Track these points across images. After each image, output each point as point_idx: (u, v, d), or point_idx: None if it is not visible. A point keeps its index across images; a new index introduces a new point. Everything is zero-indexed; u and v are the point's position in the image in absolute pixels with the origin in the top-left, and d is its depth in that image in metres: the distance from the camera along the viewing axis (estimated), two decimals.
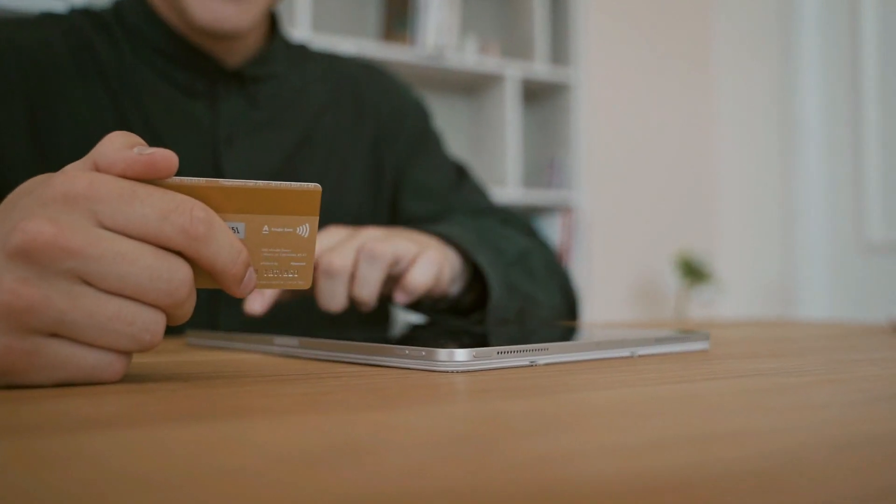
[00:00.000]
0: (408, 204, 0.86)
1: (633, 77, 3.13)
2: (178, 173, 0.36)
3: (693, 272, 2.81)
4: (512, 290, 0.68)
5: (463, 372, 0.35)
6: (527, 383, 0.31)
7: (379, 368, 0.37)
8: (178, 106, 0.74)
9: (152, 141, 0.73)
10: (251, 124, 0.77)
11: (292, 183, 0.35)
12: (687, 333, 0.47)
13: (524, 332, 0.48)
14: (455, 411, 0.24)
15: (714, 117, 3.31)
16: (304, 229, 0.35)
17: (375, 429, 0.21)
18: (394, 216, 0.87)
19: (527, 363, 0.38)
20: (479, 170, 2.78)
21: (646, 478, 0.16)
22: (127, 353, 0.32)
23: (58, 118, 0.70)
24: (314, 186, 0.35)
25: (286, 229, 0.35)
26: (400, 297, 0.59)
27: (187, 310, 0.33)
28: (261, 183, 0.34)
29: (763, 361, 0.39)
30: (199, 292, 0.73)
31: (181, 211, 0.31)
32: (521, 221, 0.86)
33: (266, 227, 0.35)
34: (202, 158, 0.74)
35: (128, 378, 0.33)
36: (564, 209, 2.76)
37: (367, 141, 0.86)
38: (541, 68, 2.68)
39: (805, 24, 2.99)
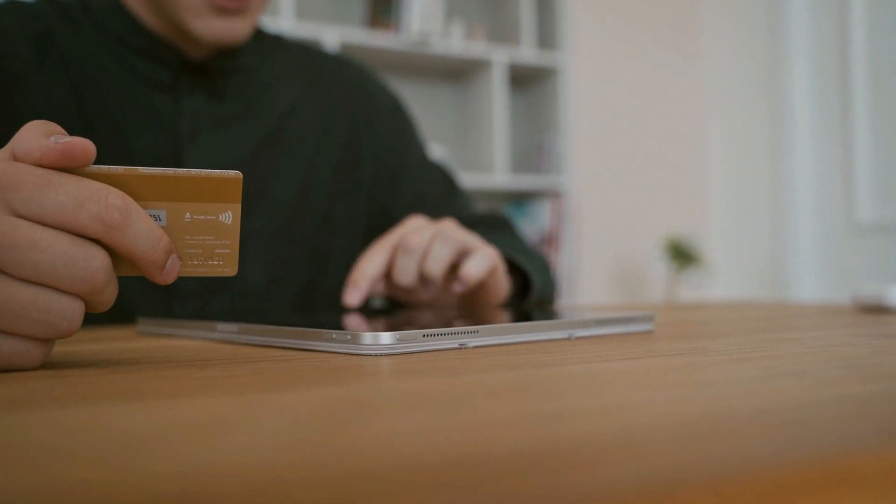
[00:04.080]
0: (404, 211, 0.86)
1: (620, 60, 3.12)
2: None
3: (681, 255, 2.81)
4: (542, 295, 0.78)
5: (388, 355, 0.35)
6: (438, 364, 0.31)
7: (308, 353, 0.37)
8: (141, 98, 0.74)
9: (113, 133, 0.72)
10: (216, 118, 0.76)
11: (212, 170, 0.35)
12: (630, 315, 0.47)
13: (458, 315, 0.48)
14: (334, 392, 0.24)
15: (703, 100, 3.30)
16: (226, 216, 0.35)
17: (245, 408, 0.21)
18: (387, 222, 0.86)
19: (456, 346, 0.38)
20: (467, 156, 2.78)
21: (483, 453, 0.16)
22: (45, 341, 0.32)
23: (16, 107, 0.70)
24: (234, 174, 0.35)
25: (209, 217, 0.35)
26: (456, 286, 0.64)
27: (108, 297, 0.33)
28: (181, 170, 0.34)
29: (694, 342, 0.40)
30: (155, 286, 0.72)
31: (96, 198, 0.31)
32: (507, 225, 0.89)
33: (188, 215, 0.35)
34: (164, 152, 0.73)
35: (48, 364, 0.34)
36: (553, 194, 2.76)
37: (340, 138, 0.85)
38: (527, 53, 2.68)
39: (794, 6, 2.98)
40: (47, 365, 0.34)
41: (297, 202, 0.80)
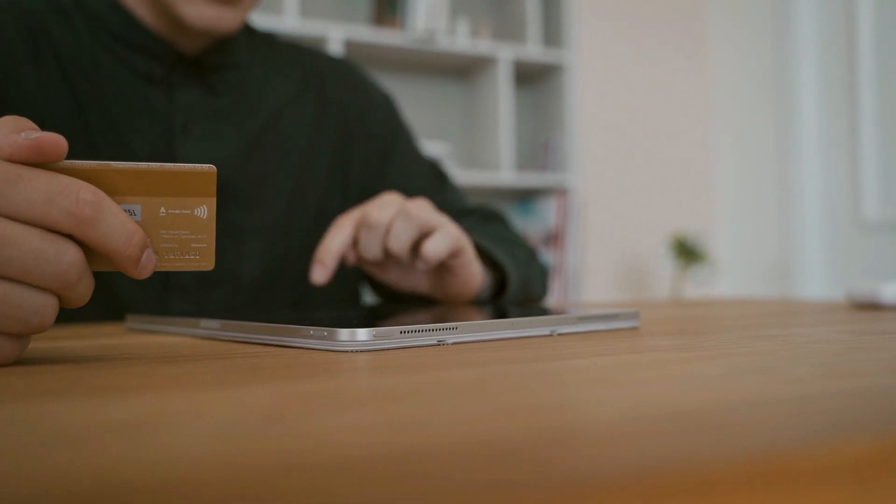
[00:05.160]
0: None
1: (626, 57, 3.11)
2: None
3: (687, 253, 2.80)
4: (520, 290, 0.76)
5: (364, 351, 0.35)
6: (411, 360, 0.31)
7: (286, 349, 0.37)
8: (135, 92, 0.74)
9: (108, 127, 0.72)
10: (209, 113, 0.77)
11: (186, 164, 0.35)
12: (614, 312, 0.47)
13: (439, 312, 0.48)
14: (295, 387, 0.24)
15: (709, 97, 3.29)
16: (201, 211, 0.35)
17: (195, 404, 0.21)
18: None
19: (434, 342, 0.38)
20: (472, 153, 2.78)
21: (429, 447, 0.16)
22: (18, 337, 0.32)
23: (11, 103, 0.70)
24: (209, 167, 0.35)
25: (183, 211, 0.35)
26: (419, 264, 0.64)
27: (81, 292, 0.33)
28: (154, 164, 0.34)
29: (675, 339, 0.39)
30: (151, 281, 0.73)
31: (67, 193, 0.31)
32: (499, 218, 0.89)
33: (163, 209, 0.35)
34: (157, 146, 0.74)
35: (24, 359, 0.34)
36: (559, 191, 2.75)
37: (332, 137, 0.86)
38: (533, 50, 2.67)
39: (801, 3, 2.97)
40: (23, 360, 0.34)
41: (292, 197, 0.81)
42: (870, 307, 0.65)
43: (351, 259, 0.66)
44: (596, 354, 0.33)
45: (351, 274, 0.86)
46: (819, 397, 0.21)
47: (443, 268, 0.67)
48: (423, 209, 0.62)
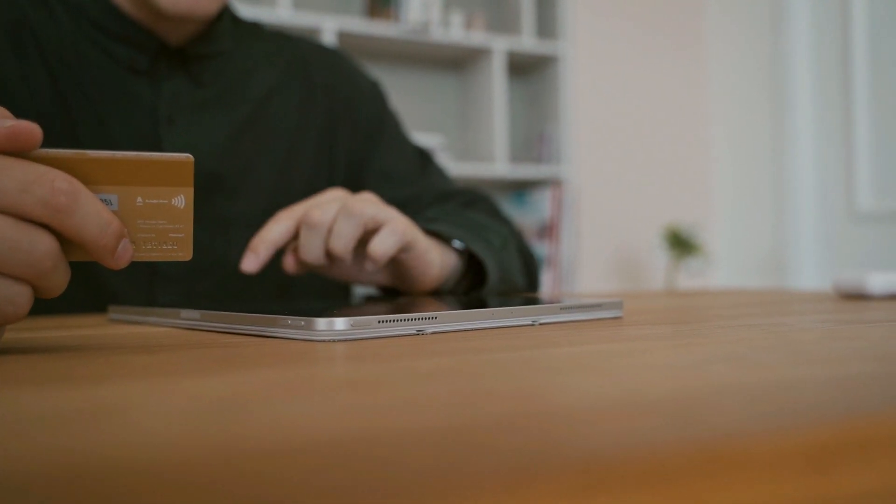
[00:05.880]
0: (375, 191, 0.86)
1: (621, 48, 3.10)
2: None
3: (681, 244, 2.81)
4: (502, 278, 0.73)
5: (342, 341, 0.35)
6: (386, 350, 0.31)
7: (265, 339, 0.37)
8: (119, 83, 0.74)
9: (92, 118, 0.72)
10: (194, 103, 0.76)
11: (163, 153, 0.35)
12: (597, 302, 0.47)
13: (421, 301, 0.48)
14: (259, 376, 0.24)
15: (705, 89, 3.29)
16: (179, 200, 0.35)
17: (153, 393, 0.21)
18: None
19: (413, 332, 0.38)
20: (467, 145, 2.77)
21: (376, 435, 0.16)
22: None
23: None
24: (186, 156, 0.35)
25: (161, 201, 0.35)
26: (368, 265, 0.62)
27: (56, 282, 0.33)
28: (131, 153, 0.34)
29: (654, 328, 0.39)
30: (138, 271, 0.73)
31: (42, 182, 0.31)
32: (485, 202, 0.87)
33: (140, 199, 0.35)
34: (142, 137, 0.73)
35: (3, 349, 0.34)
36: (554, 183, 2.75)
37: (319, 124, 0.85)
38: (528, 41, 2.67)
39: None
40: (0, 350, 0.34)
41: (278, 186, 0.81)
42: (857, 297, 0.65)
43: (290, 265, 0.62)
44: (573, 343, 0.33)
45: None
46: (784, 384, 0.21)
47: (396, 262, 0.65)
48: (367, 204, 0.59)
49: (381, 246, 0.59)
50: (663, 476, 0.14)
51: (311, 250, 0.59)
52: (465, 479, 0.13)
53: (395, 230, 0.59)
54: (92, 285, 0.72)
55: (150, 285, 0.73)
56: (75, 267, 0.69)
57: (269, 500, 0.12)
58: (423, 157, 0.91)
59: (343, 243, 0.58)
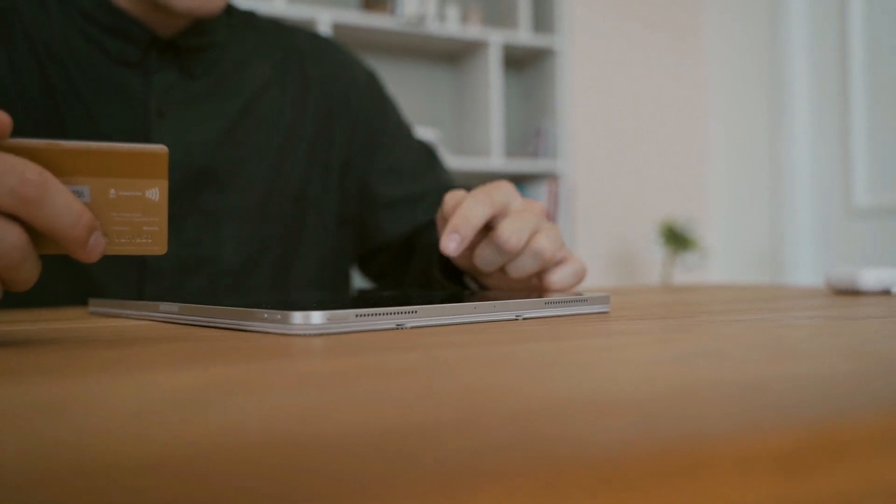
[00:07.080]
0: (382, 187, 0.85)
1: (618, 42, 3.09)
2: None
3: (677, 239, 2.80)
4: None
5: (319, 335, 0.35)
6: (361, 344, 0.30)
7: (242, 333, 0.37)
8: (109, 76, 0.73)
9: (81, 111, 0.71)
10: (186, 96, 0.75)
11: (137, 144, 0.34)
12: (583, 296, 0.46)
13: (402, 295, 0.48)
14: (221, 372, 0.24)
15: (702, 83, 3.28)
16: (153, 193, 0.34)
17: (122, 386, 0.21)
18: (364, 199, 0.85)
19: (393, 326, 0.37)
20: (463, 139, 2.76)
21: (333, 433, 0.15)
22: None
23: None
24: (160, 148, 0.34)
25: (134, 193, 0.34)
26: (515, 279, 0.58)
27: (26, 275, 0.32)
28: (104, 144, 0.33)
29: (640, 323, 0.39)
30: (126, 266, 0.72)
31: (12, 173, 0.30)
32: None
33: (113, 191, 0.34)
34: (132, 131, 0.72)
35: None
36: (550, 177, 2.74)
37: (314, 117, 0.84)
38: (524, 35, 2.66)
39: None
40: None
41: (272, 180, 0.79)
42: (849, 293, 0.65)
43: (453, 251, 0.54)
44: (553, 339, 0.32)
45: (341, 257, 0.85)
46: (761, 382, 0.20)
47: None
48: (554, 242, 0.56)
49: (561, 283, 0.57)
50: (625, 477, 0.13)
51: (490, 264, 0.56)
52: (424, 479, 0.12)
53: (577, 272, 0.58)
54: (79, 279, 0.71)
55: (138, 280, 0.72)
56: (62, 262, 0.68)
57: (235, 494, 0.11)
58: (430, 154, 0.90)
59: (520, 275, 0.56)
